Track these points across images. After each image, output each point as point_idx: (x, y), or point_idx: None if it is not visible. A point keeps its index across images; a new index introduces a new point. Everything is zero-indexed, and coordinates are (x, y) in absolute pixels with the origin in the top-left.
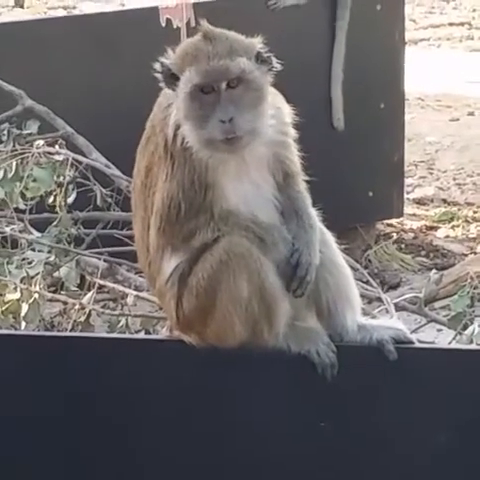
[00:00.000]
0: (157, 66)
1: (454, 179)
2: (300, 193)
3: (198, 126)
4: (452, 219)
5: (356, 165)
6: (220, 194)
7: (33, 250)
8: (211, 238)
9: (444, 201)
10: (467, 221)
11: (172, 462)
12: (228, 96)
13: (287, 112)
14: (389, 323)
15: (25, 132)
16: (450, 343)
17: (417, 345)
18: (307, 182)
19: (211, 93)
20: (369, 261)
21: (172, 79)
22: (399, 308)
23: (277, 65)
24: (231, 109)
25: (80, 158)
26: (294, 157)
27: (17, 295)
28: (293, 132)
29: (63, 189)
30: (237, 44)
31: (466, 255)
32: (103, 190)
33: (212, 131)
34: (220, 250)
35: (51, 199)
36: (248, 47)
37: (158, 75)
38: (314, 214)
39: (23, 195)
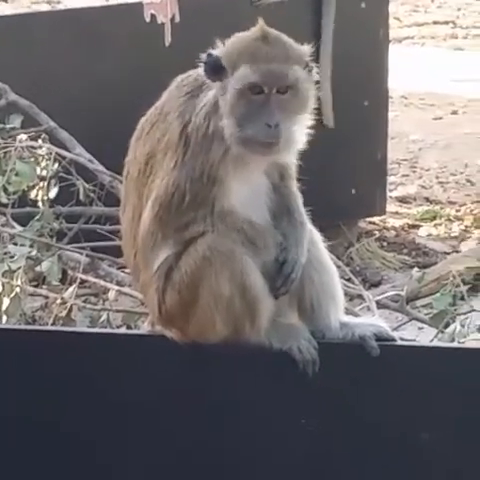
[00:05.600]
0: (203, 56)
1: (437, 177)
2: (292, 192)
3: (241, 124)
4: (434, 217)
5: (339, 163)
6: (224, 192)
7: (15, 244)
8: (202, 232)
9: (427, 199)
10: (449, 220)
11: (152, 459)
12: (276, 101)
13: None
14: (371, 320)
15: (8, 126)
16: (432, 341)
17: (399, 342)
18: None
19: (260, 94)
20: (351, 259)
21: (217, 71)
22: (381, 306)
23: (316, 75)
24: (278, 114)
25: (63, 153)
26: (292, 160)
27: None
28: None
29: (45, 183)
30: (293, 51)
31: (448, 253)
32: (86, 185)
33: (256, 132)
34: (204, 246)
35: (34, 193)
36: (301, 55)
37: (201, 64)
38: (305, 213)
39: (5, 189)
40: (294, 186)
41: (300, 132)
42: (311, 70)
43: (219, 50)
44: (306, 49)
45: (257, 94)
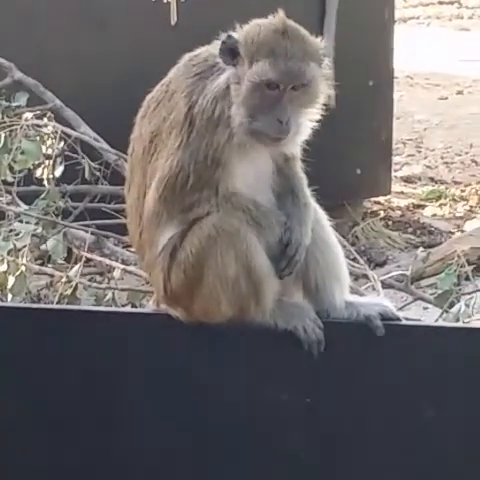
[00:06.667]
0: (223, 36)
1: (442, 158)
2: (297, 173)
3: (252, 115)
4: (439, 197)
5: (344, 142)
6: (229, 173)
7: (21, 222)
8: (207, 212)
9: (432, 179)
10: (454, 200)
11: (155, 437)
12: (289, 97)
13: None
14: (376, 300)
15: (14, 104)
16: (436, 321)
17: (404, 322)
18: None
19: (274, 89)
20: (356, 238)
21: (233, 56)
22: (386, 285)
23: (327, 69)
24: (289, 110)
25: (69, 131)
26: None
27: (4, 267)
28: None
29: (51, 162)
30: (310, 47)
31: (453, 233)
32: (91, 163)
33: (266, 126)
34: (209, 225)
35: (39, 172)
36: (317, 51)
37: (218, 43)
38: (309, 194)
39: (11, 167)
40: (298, 167)
41: (308, 125)
42: (322, 64)
43: (238, 34)
44: (320, 44)
45: (271, 89)
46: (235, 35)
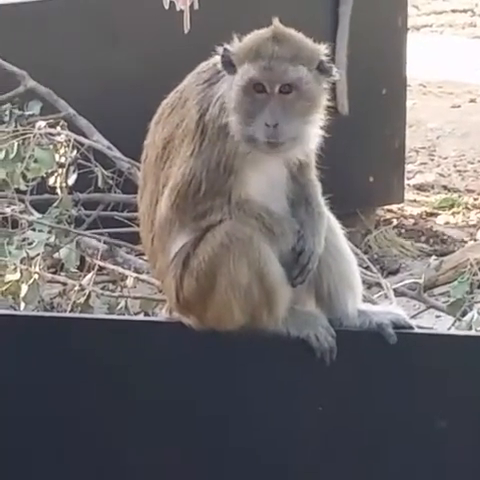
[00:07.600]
0: (219, 50)
1: (455, 166)
2: (311, 181)
3: (243, 121)
4: (452, 206)
5: (357, 150)
6: (241, 181)
7: (33, 231)
8: (220, 220)
9: (445, 187)
10: (467, 208)
11: (168, 444)
12: (279, 100)
13: None
14: (389, 308)
15: (27, 113)
16: (449, 329)
17: (416, 330)
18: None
19: (263, 93)
20: (369, 246)
21: (230, 67)
22: (398, 294)
23: (336, 75)
24: (278, 114)
25: (82, 139)
26: (311, 150)
27: (17, 276)
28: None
29: (64, 170)
30: (302, 51)
31: (466, 242)
32: (104, 172)
33: (256, 131)
34: (222, 233)
35: (52, 180)
36: (312, 56)
37: (218, 58)
38: (323, 202)
39: (24, 176)
40: (313, 175)
41: (310, 132)
42: (325, 71)
43: (233, 46)
44: (321, 50)
45: (260, 93)
46: (230, 47)
